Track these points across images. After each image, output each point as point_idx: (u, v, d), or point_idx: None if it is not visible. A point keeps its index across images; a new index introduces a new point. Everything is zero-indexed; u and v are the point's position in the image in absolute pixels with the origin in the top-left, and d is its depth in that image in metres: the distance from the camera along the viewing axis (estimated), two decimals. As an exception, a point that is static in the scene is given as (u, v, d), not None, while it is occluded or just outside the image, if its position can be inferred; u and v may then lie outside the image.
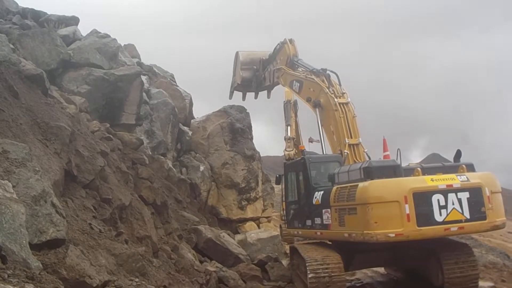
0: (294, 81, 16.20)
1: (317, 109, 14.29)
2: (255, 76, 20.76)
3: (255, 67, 20.69)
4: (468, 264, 10.43)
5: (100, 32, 18.64)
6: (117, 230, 9.93)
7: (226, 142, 21.63)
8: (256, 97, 21.58)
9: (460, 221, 9.40)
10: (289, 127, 18.18)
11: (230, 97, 22.91)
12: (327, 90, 14.02)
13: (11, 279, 4.65)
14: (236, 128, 21.87)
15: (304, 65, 16.56)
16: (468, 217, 9.42)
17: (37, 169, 6.82)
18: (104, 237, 8.56)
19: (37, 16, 18.69)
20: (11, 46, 12.70)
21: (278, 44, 18.40)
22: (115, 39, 18.53)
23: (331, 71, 14.87)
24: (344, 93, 14.02)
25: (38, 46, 14.93)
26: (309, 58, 17.56)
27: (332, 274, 10.31)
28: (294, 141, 17.44)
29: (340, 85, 14.43)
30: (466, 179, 9.71)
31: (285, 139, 17.55)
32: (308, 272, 10.43)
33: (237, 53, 21.80)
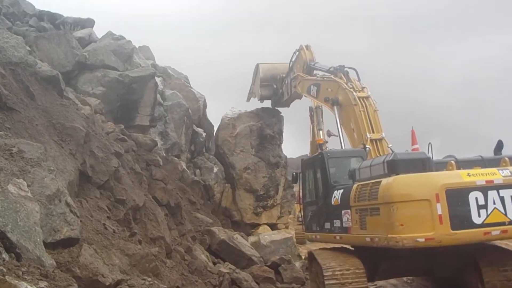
0: (312, 86, 15.83)
1: (335, 108, 13.61)
2: (274, 94, 21.01)
3: (275, 86, 21.02)
4: None
5: (115, 34, 18.80)
6: (131, 230, 9.97)
7: (252, 146, 21.45)
8: (273, 107, 21.99)
9: (503, 224, 8.07)
10: (321, 131, 18.25)
11: (248, 100, 23.32)
12: (345, 86, 13.44)
13: (26, 276, 4.69)
14: (265, 134, 21.62)
15: (320, 67, 16.37)
16: None
17: (52, 168, 6.89)
18: (117, 237, 8.61)
19: (53, 18, 18.94)
20: (28, 48, 12.85)
21: (294, 52, 18.49)
22: (129, 41, 18.69)
23: (350, 68, 14.40)
24: (364, 87, 13.36)
25: (54, 48, 15.13)
26: (324, 56, 17.55)
27: (353, 284, 9.12)
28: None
29: (359, 80, 13.90)
30: (509, 174, 8.31)
31: (318, 143, 17.43)
32: (326, 282, 9.37)
33: (257, 66, 22.10)
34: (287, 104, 21.27)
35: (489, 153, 9.85)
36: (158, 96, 18.38)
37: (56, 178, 6.84)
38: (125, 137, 14.30)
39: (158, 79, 19.13)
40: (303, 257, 17.07)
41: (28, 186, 5.95)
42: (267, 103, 22.52)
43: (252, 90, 23.16)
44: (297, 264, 15.52)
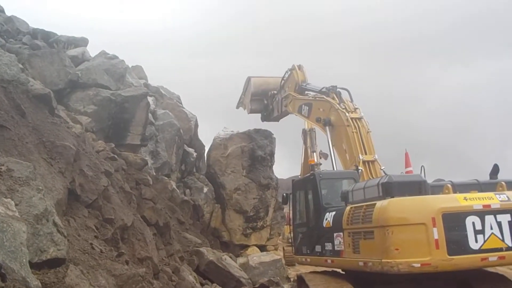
0: (303, 105, 15.78)
1: (327, 128, 13.51)
2: (264, 109, 21.07)
3: (265, 101, 20.94)
4: None
5: (108, 53, 18.92)
6: (118, 250, 9.90)
7: (243, 167, 21.49)
8: (262, 121, 21.95)
9: (500, 250, 7.81)
10: (314, 153, 18.27)
11: (237, 107, 23.33)
12: (337, 106, 13.39)
13: (10, 298, 4.66)
14: (256, 156, 21.68)
15: (312, 88, 16.35)
16: (510, 244, 7.84)
17: (40, 188, 6.87)
18: (104, 258, 8.54)
19: (47, 36, 19.01)
20: (20, 66, 12.88)
21: (287, 72, 18.49)
22: (123, 60, 18.81)
23: (342, 88, 14.39)
24: (357, 108, 13.33)
25: (47, 66, 15.17)
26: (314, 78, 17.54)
27: None
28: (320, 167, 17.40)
29: (352, 101, 13.88)
30: (506, 198, 8.11)
31: (310, 163, 17.33)
32: None
33: (249, 79, 21.90)
34: (276, 120, 21.21)
35: (476, 176, 9.68)
36: (150, 115, 18.43)
37: (45, 197, 6.82)
38: (115, 156, 14.27)
39: (150, 99, 19.21)
40: (292, 279, 16.99)
41: (16, 205, 5.92)
42: (258, 121, 22.56)
43: (242, 101, 23.09)
44: (286, 287, 15.45)
